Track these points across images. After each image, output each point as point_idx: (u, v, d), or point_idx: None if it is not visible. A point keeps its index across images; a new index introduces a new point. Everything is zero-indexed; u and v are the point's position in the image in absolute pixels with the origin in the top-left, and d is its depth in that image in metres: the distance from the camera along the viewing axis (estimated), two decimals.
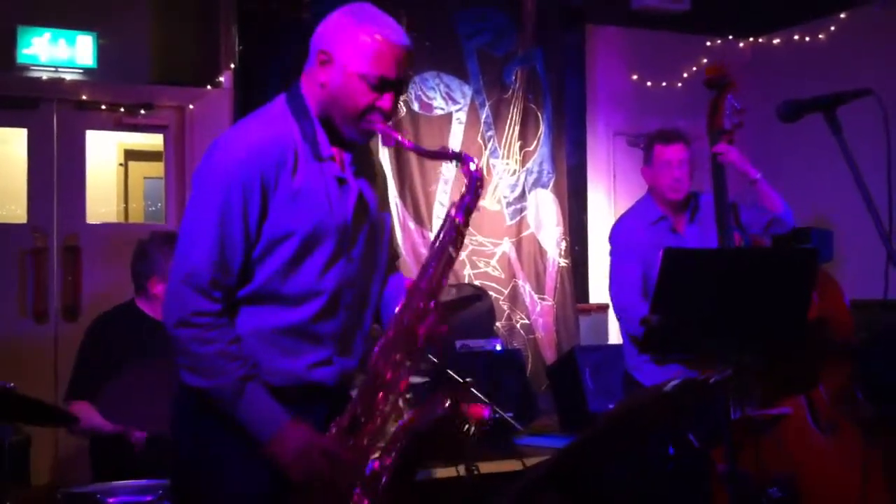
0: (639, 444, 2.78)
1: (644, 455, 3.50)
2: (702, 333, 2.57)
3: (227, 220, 2.07)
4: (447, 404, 2.13)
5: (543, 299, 5.93)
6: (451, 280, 5.60)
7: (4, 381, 2.88)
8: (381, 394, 2.13)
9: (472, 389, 3.65)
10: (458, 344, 5.05)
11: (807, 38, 6.29)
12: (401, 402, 2.19)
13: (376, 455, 2.12)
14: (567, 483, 1.93)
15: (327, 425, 2.16)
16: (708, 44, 6.59)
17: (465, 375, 3.67)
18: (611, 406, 4.21)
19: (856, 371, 3.39)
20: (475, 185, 2.16)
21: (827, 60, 6.05)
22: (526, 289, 5.90)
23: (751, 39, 6.66)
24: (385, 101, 2.13)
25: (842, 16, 6.08)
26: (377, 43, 2.11)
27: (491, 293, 5.70)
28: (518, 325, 5.85)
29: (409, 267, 5.58)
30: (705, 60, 6.35)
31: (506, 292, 5.84)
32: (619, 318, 3.84)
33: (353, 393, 2.21)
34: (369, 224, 2.24)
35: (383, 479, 2.09)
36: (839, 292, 3.42)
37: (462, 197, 2.18)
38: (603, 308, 6.26)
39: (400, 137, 2.17)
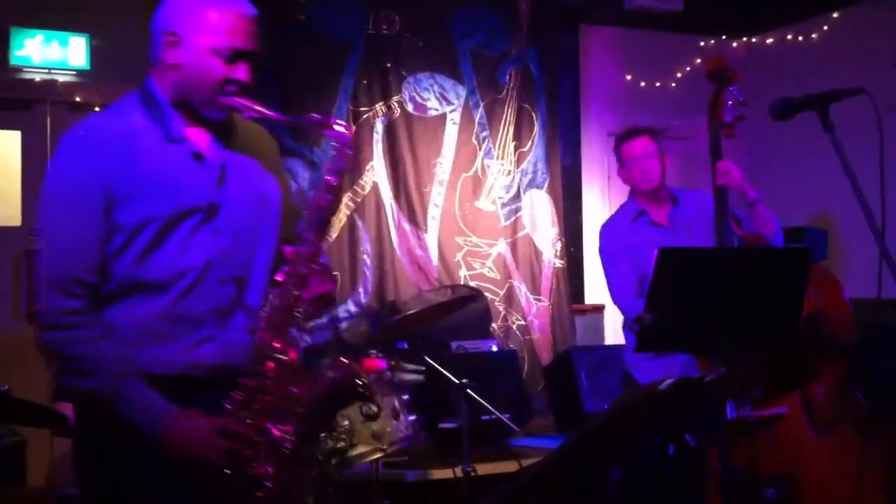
0: (633, 443, 2.78)
1: (639, 455, 3.50)
2: (695, 331, 2.57)
3: (75, 218, 2.06)
4: (341, 364, 2.18)
5: (539, 300, 5.93)
6: (447, 281, 5.63)
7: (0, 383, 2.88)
8: (271, 363, 2.12)
9: (470, 391, 3.65)
10: (454, 345, 5.05)
11: (800, 38, 6.31)
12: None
13: (273, 424, 2.11)
14: (562, 483, 1.93)
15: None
16: (701, 44, 6.60)
17: (461, 377, 3.67)
18: (606, 406, 4.21)
19: (852, 369, 3.39)
20: (344, 148, 2.18)
21: (820, 60, 6.07)
22: (521, 290, 5.90)
23: (744, 39, 6.67)
24: (240, 72, 2.14)
25: (834, 15, 6.10)
26: (223, 15, 2.12)
27: (486, 294, 5.70)
28: (514, 326, 5.85)
29: (405, 268, 5.58)
30: (699, 60, 6.36)
31: (501, 293, 5.83)
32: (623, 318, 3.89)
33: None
34: (244, 196, 2.22)
35: (286, 445, 2.09)
36: (839, 289, 3.42)
37: (333, 158, 2.19)
38: (598, 308, 6.27)
39: (260, 108, 2.17)
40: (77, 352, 2.05)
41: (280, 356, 2.13)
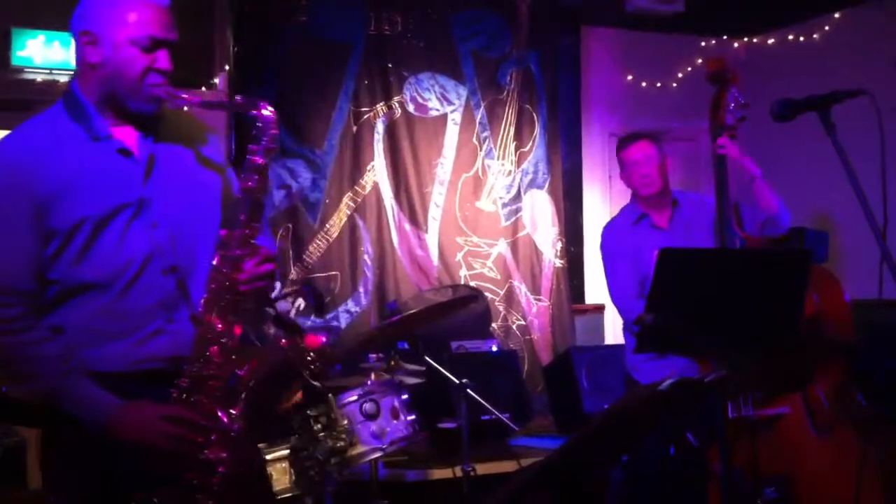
0: (634, 443, 2.78)
1: (641, 455, 3.50)
2: (696, 332, 2.57)
3: (4, 230, 2.08)
4: (283, 343, 2.19)
5: (539, 300, 5.93)
6: (447, 281, 5.63)
7: None
8: (214, 347, 2.13)
9: (470, 391, 3.65)
10: (454, 345, 5.05)
11: (801, 38, 6.30)
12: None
13: (220, 408, 2.12)
14: (563, 483, 1.93)
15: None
16: (702, 44, 6.60)
17: (461, 376, 3.67)
18: (606, 406, 4.21)
19: (853, 370, 3.39)
20: (269, 127, 2.19)
21: (821, 60, 6.06)
22: (522, 289, 5.90)
23: (745, 39, 6.66)
24: (161, 61, 2.16)
25: (836, 16, 6.09)
26: (137, 7, 2.14)
27: (487, 294, 5.70)
28: (514, 326, 5.85)
29: (405, 268, 5.58)
30: (700, 61, 6.36)
31: (501, 293, 5.83)
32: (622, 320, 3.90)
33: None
34: (178, 187, 2.23)
35: (235, 428, 2.11)
36: (840, 291, 3.42)
37: (259, 139, 2.20)
38: (599, 309, 6.27)
39: (185, 95, 2.19)
40: (16, 357, 2.08)
41: (222, 339, 2.14)
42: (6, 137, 2.18)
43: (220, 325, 2.14)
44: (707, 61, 3.66)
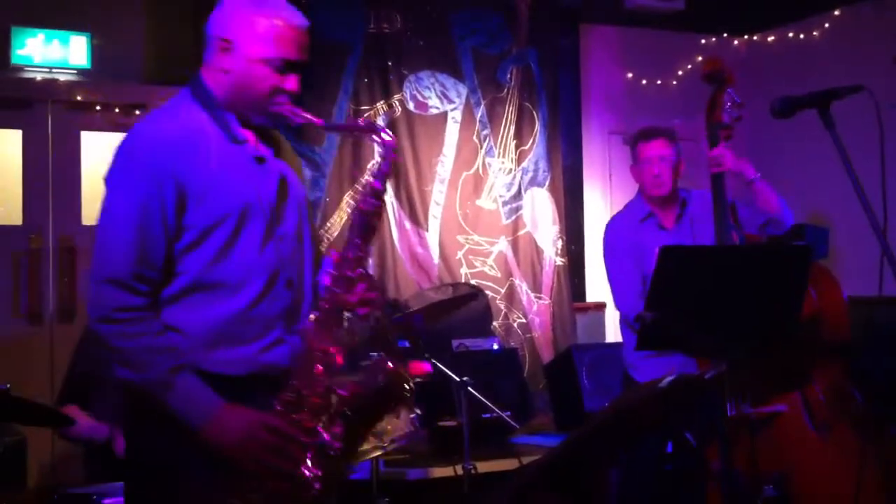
0: (634, 441, 2.78)
1: (640, 453, 3.50)
2: (696, 330, 2.57)
3: (144, 215, 2.07)
4: (389, 367, 2.19)
5: (540, 298, 5.93)
6: (448, 279, 5.63)
7: (0, 382, 2.88)
8: (320, 366, 2.14)
9: (471, 389, 3.65)
10: (455, 343, 5.06)
11: (801, 36, 6.30)
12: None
13: (322, 426, 2.13)
14: (562, 482, 1.93)
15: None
16: (702, 42, 6.59)
17: (462, 374, 3.68)
18: (607, 404, 4.22)
19: (850, 369, 3.39)
20: (389, 153, 2.21)
21: (821, 58, 6.06)
22: (522, 288, 5.90)
23: (745, 37, 6.66)
24: (290, 83, 2.17)
25: (836, 13, 6.09)
26: (276, 26, 2.14)
27: (487, 292, 5.70)
28: (515, 325, 5.85)
29: (406, 267, 5.58)
30: (700, 58, 6.36)
31: (502, 291, 5.84)
32: (621, 317, 3.86)
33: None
34: (293, 202, 2.26)
35: (335, 447, 2.11)
36: (838, 290, 3.42)
37: (379, 165, 2.22)
38: (600, 307, 6.27)
39: (309, 115, 2.21)
40: (129, 346, 2.06)
41: (329, 359, 2.15)
42: (143, 125, 2.17)
43: (328, 344, 2.15)
44: (703, 61, 3.66)
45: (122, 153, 2.15)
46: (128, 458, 2.22)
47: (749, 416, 3.05)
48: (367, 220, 2.20)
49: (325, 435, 2.11)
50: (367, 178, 2.27)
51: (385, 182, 2.22)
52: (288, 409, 2.11)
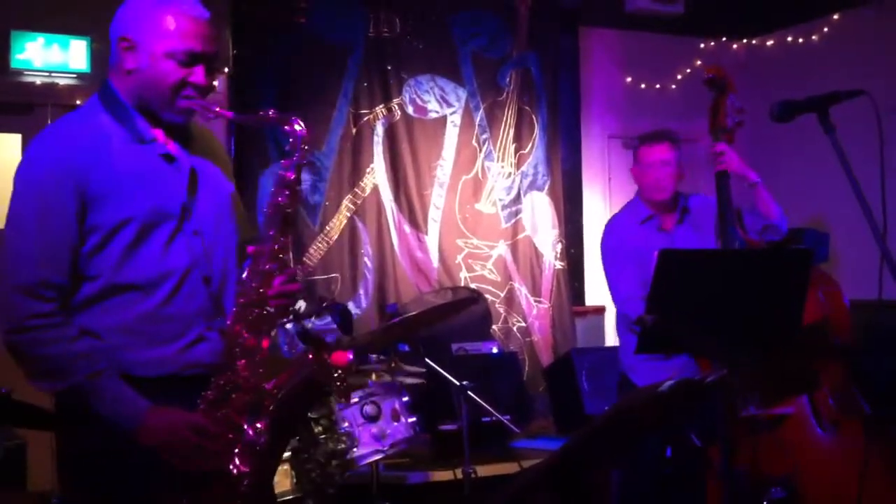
0: (635, 445, 2.78)
1: (642, 455, 3.50)
2: (697, 333, 2.57)
3: (45, 220, 2.06)
4: (310, 359, 2.18)
5: (539, 302, 5.93)
6: (448, 283, 5.63)
7: (0, 386, 2.87)
8: (242, 361, 2.13)
9: (471, 393, 3.65)
10: (455, 347, 5.05)
11: (800, 40, 6.31)
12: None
13: (246, 422, 2.13)
14: (563, 484, 1.93)
15: None
16: (702, 45, 6.60)
17: (462, 378, 3.67)
18: (607, 408, 4.21)
19: (853, 372, 3.39)
20: (301, 143, 2.20)
21: (820, 62, 6.07)
22: (522, 291, 5.90)
23: (744, 41, 6.67)
24: (198, 76, 2.16)
25: (835, 17, 6.10)
26: (177, 19, 2.14)
27: (487, 296, 5.70)
28: (514, 328, 5.85)
29: (405, 270, 5.58)
30: (699, 62, 6.37)
31: (502, 295, 5.84)
32: (618, 319, 3.85)
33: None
34: (209, 197, 2.24)
35: (261, 442, 2.11)
36: (840, 294, 3.43)
37: (290, 155, 2.20)
38: (599, 310, 6.27)
39: (217, 108, 2.20)
40: (46, 354, 2.05)
41: (250, 353, 2.14)
42: (48, 131, 2.16)
43: (248, 339, 2.14)
44: (705, 68, 3.67)
45: (24, 161, 2.15)
46: (64, 452, 2.19)
47: (755, 418, 3.06)
48: (282, 213, 2.18)
49: (249, 430, 2.10)
50: (280, 171, 2.24)
51: (299, 173, 2.20)
52: (212, 407, 2.11)
